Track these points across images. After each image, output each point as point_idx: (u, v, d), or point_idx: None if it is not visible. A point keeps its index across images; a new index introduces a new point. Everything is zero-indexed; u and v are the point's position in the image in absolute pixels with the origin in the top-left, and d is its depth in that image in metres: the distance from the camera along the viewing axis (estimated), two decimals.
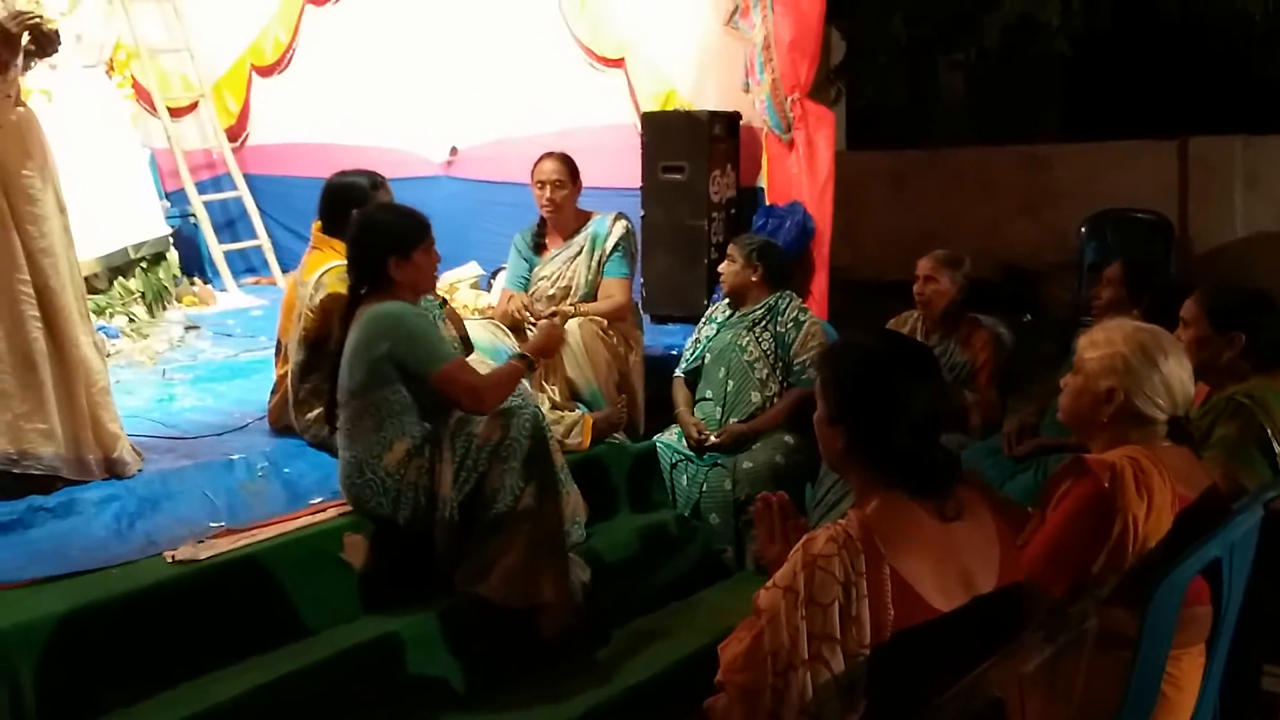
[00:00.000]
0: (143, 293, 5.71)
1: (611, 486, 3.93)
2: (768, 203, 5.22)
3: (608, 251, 4.22)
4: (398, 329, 3.15)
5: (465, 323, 4.13)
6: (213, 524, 3.13)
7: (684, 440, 4.13)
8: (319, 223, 3.86)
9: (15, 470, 3.18)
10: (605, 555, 3.61)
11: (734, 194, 5.28)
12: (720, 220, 5.17)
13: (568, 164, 4.27)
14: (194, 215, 6.78)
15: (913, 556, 1.79)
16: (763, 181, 5.29)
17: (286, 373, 3.69)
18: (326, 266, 3.65)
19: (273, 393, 3.85)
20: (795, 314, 4.22)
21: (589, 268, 4.22)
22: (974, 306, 4.38)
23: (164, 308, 5.78)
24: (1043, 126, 9.19)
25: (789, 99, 5.06)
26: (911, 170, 8.43)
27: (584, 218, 4.31)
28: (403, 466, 3.13)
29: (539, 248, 4.33)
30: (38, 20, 3.22)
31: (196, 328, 5.58)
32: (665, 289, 5.23)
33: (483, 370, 3.73)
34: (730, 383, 4.18)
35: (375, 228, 3.27)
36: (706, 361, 4.26)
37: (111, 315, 5.35)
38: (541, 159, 4.29)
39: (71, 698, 2.59)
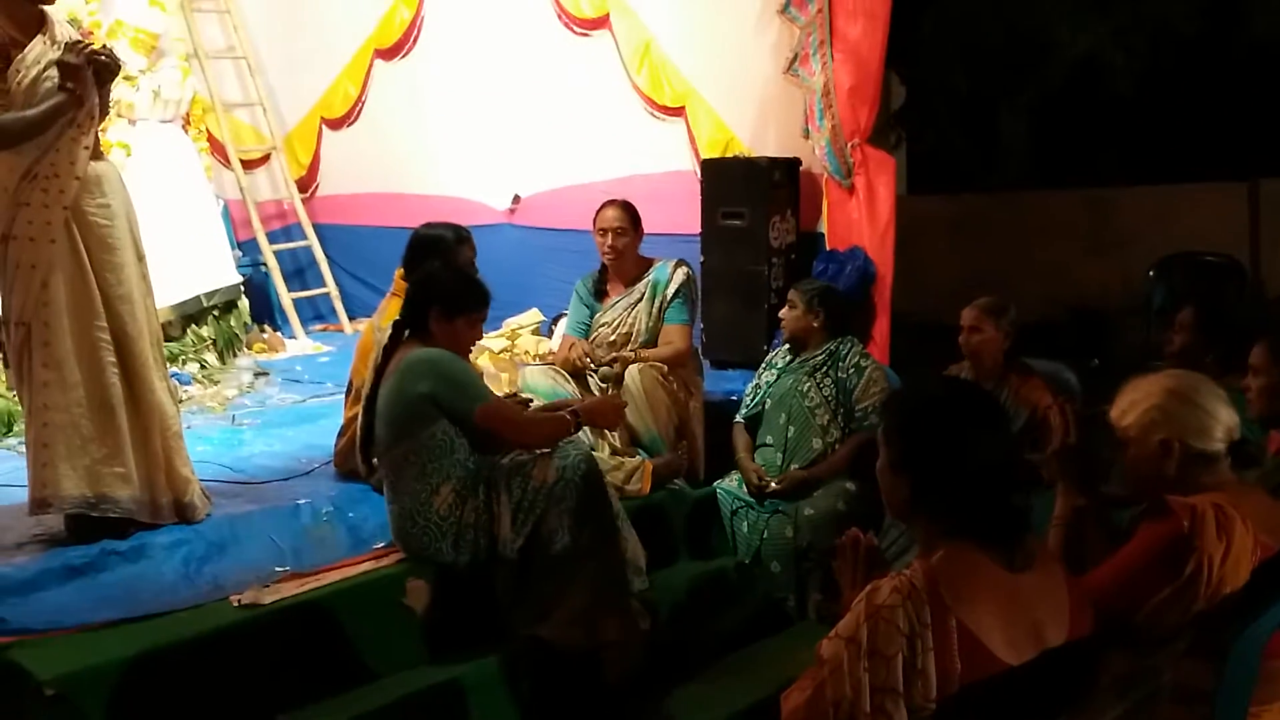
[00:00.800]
0: (214, 340, 5.85)
1: (671, 533, 3.91)
2: (828, 248, 5.22)
3: (669, 298, 4.24)
4: (438, 370, 3.19)
5: (525, 368, 4.18)
6: (278, 568, 3.16)
7: (744, 487, 4.10)
8: (401, 270, 3.95)
9: (94, 513, 3.24)
10: (665, 603, 3.59)
11: (794, 239, 5.28)
12: (780, 265, 5.17)
13: (629, 211, 4.31)
14: (265, 264, 6.95)
15: (980, 608, 1.76)
16: (823, 227, 5.30)
17: (356, 415, 3.74)
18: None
19: (340, 434, 3.91)
20: (857, 359, 4.18)
21: (650, 314, 4.24)
22: (1038, 351, 4.31)
23: (234, 354, 5.91)
24: (1108, 169, 9.09)
25: (849, 145, 5.08)
26: (974, 214, 8.38)
27: (645, 264, 4.34)
28: (455, 509, 3.16)
29: (600, 294, 4.37)
30: (92, 46, 3.31)
31: (266, 374, 5.69)
32: (725, 334, 5.23)
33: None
34: (791, 429, 4.15)
35: (433, 280, 3.36)
36: (767, 407, 4.24)
37: (184, 362, 5.48)
38: (603, 206, 4.34)
39: None
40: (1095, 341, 6.93)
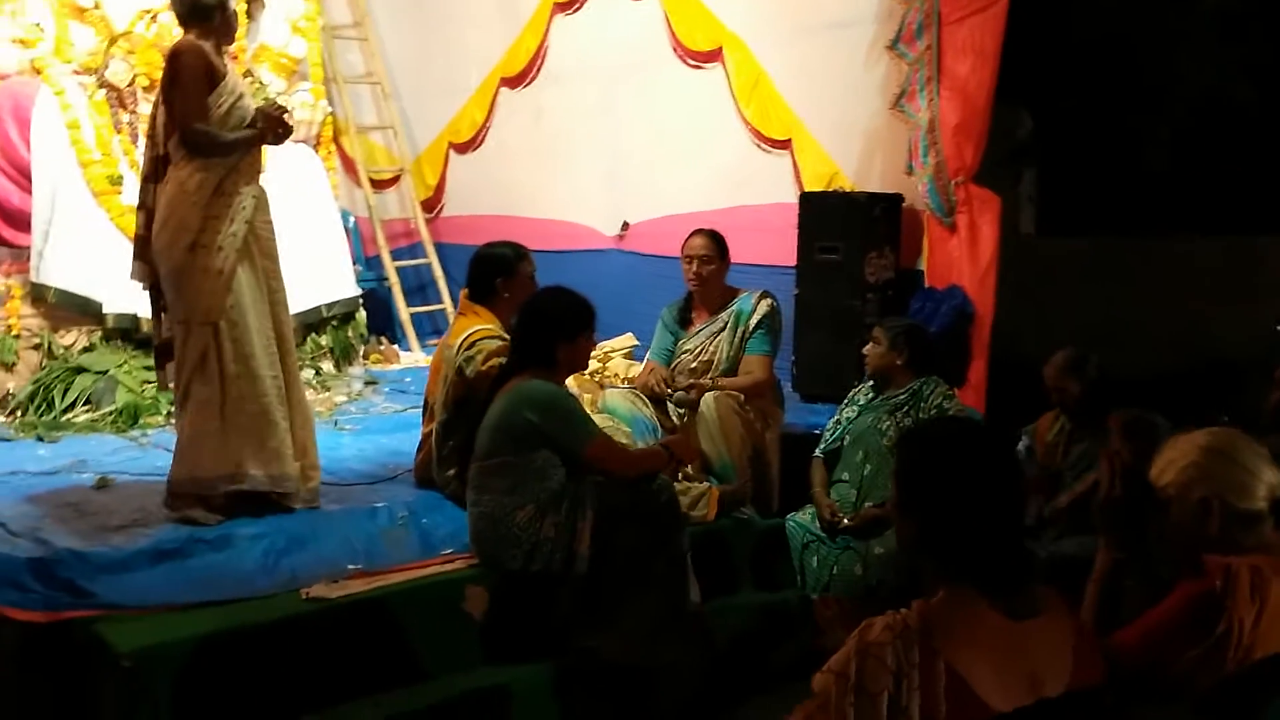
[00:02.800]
0: (331, 348, 6.14)
1: (733, 562, 3.94)
2: (927, 285, 5.18)
3: (751, 328, 4.28)
4: (553, 407, 3.33)
5: (607, 391, 4.29)
6: (350, 565, 3.33)
7: (817, 521, 4.10)
8: (466, 290, 4.11)
9: (277, 490, 3.60)
10: (724, 631, 3.62)
11: (893, 276, 5.25)
12: (875, 301, 5.14)
13: (716, 241, 4.38)
14: (388, 279, 7.26)
15: (972, 653, 1.76)
16: (923, 264, 5.25)
17: (431, 431, 3.91)
18: (470, 331, 3.86)
19: (419, 449, 4.07)
20: (940, 400, 4.14)
21: (731, 343, 4.29)
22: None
23: (349, 363, 6.19)
24: (1255, 215, 8.68)
25: (952, 182, 5.03)
26: (1109, 257, 8.10)
27: (730, 294, 4.39)
28: (535, 522, 3.26)
29: (685, 321, 4.44)
30: (285, 109, 3.80)
31: (375, 383, 5.95)
32: (816, 368, 5.22)
33: (617, 436, 3.88)
34: (868, 466, 4.13)
35: (546, 307, 3.50)
36: (845, 443, 4.23)
37: (300, 368, 5.76)
38: (692, 235, 4.42)
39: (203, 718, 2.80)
40: (1228, 397, 6.63)
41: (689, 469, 4.05)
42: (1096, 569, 2.36)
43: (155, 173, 3.59)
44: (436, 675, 3.15)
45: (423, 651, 3.17)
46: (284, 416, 3.62)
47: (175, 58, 3.53)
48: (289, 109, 3.84)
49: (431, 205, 8.13)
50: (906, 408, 4.15)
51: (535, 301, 3.57)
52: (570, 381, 4.92)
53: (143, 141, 4.54)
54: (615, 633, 3.23)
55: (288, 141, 6.01)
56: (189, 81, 3.48)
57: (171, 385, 3.64)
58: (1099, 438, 3.97)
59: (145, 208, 3.60)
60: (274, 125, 3.63)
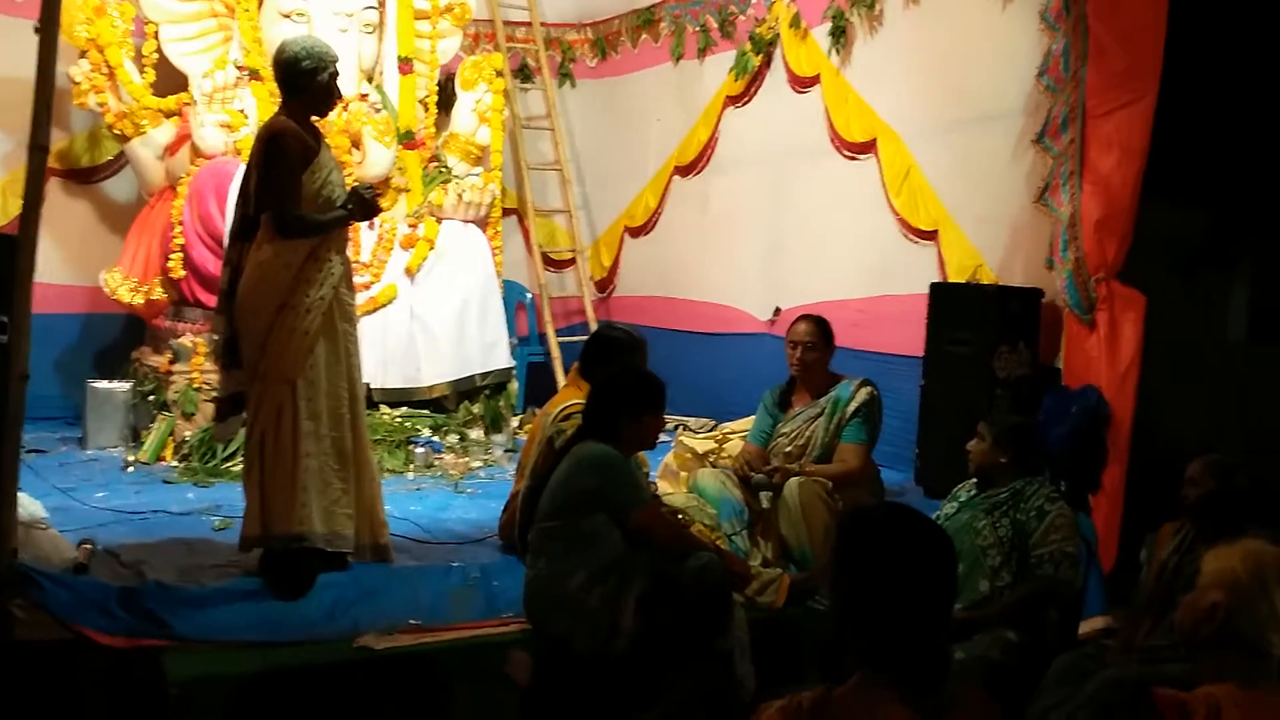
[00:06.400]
0: (482, 416, 6.43)
1: (801, 651, 3.83)
2: (1064, 383, 4.92)
3: (847, 415, 4.22)
4: (609, 468, 3.41)
5: (699, 471, 4.32)
6: (411, 620, 3.48)
7: None
8: (577, 364, 4.24)
9: (329, 549, 3.71)
10: None
11: (1028, 371, 5.02)
12: (1005, 397, 4.93)
13: (821, 327, 4.36)
14: (550, 355, 7.57)
15: None
16: (1060, 362, 5.01)
17: (519, 493, 4.04)
18: (568, 404, 4.00)
19: (504, 509, 4.22)
20: (1041, 502, 3.91)
21: (827, 430, 4.24)
22: None
23: (499, 431, 6.45)
24: None
25: (1093, 279, 4.80)
26: None
27: (833, 380, 4.35)
28: (584, 590, 3.32)
29: (785, 405, 4.43)
30: (377, 191, 3.98)
31: (515, 451, 6.17)
32: (941, 463, 5.03)
33: (702, 516, 3.90)
34: (960, 566, 3.93)
35: (619, 383, 3.60)
36: None
37: (445, 433, 6.09)
38: (796, 320, 4.42)
39: None
40: None
41: (769, 553, 4.01)
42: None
43: (243, 231, 3.77)
44: None
45: (461, 711, 3.26)
46: (343, 478, 3.72)
47: (272, 140, 3.69)
48: (379, 192, 3.98)
49: (605, 285, 8.44)
50: (1005, 507, 3.95)
51: (611, 377, 3.67)
52: (670, 459, 4.99)
53: None
54: (653, 711, 3.22)
55: (458, 220, 6.56)
56: (284, 165, 3.65)
57: (229, 438, 3.85)
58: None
59: (231, 264, 3.78)
60: (359, 203, 3.79)
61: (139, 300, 6.21)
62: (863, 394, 4.25)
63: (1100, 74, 4.77)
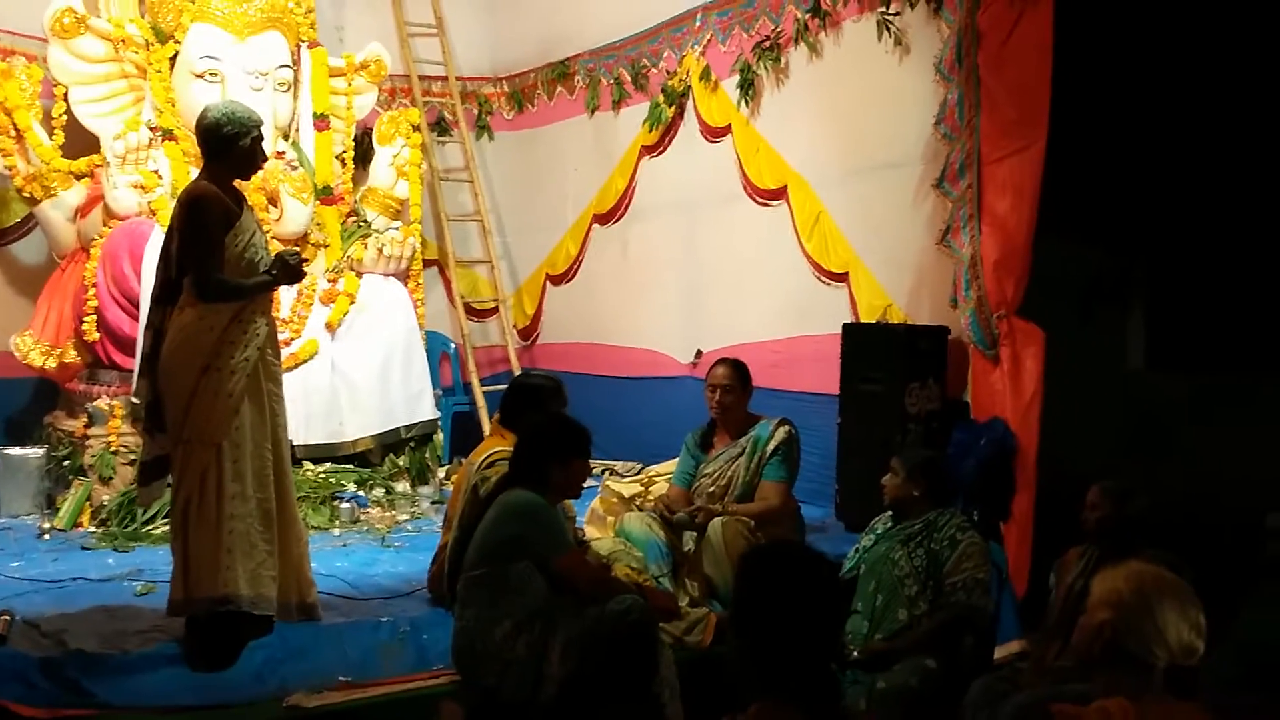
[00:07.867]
0: (408, 469, 6.44)
1: (730, 689, 3.90)
2: (972, 417, 5.12)
3: (767, 455, 4.35)
4: (535, 517, 3.47)
5: (625, 515, 4.40)
6: (341, 678, 3.49)
7: None
8: (498, 414, 4.30)
9: (255, 612, 3.62)
10: None
11: (938, 407, 5.21)
12: (917, 433, 5.10)
13: (738, 370, 4.49)
14: (474, 403, 7.60)
15: None
16: (969, 396, 5.21)
17: (446, 543, 4.08)
18: (491, 452, 4.05)
19: (433, 561, 4.25)
20: (953, 532, 4.06)
21: (748, 469, 4.36)
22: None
23: (425, 483, 6.46)
24: None
25: (994, 316, 5.01)
26: (1227, 396, 7.63)
27: (751, 420, 4.48)
28: (510, 640, 3.36)
29: (707, 446, 4.54)
30: (302, 256, 3.92)
31: (442, 503, 6.18)
32: (859, 498, 5.18)
33: (628, 560, 3.97)
34: (879, 597, 4.06)
35: (545, 431, 3.65)
36: (861, 573, 4.18)
37: (371, 487, 6.08)
38: (715, 364, 4.55)
39: None
40: None
41: (695, 593, 4.09)
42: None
43: (165, 295, 3.72)
44: None
45: None
46: (268, 540, 3.68)
47: (193, 203, 3.67)
48: (306, 257, 3.96)
49: (528, 333, 8.52)
50: (920, 538, 4.09)
51: (536, 424, 3.73)
52: (597, 503, 5.06)
53: None
54: None
55: (378, 274, 6.59)
56: (205, 229, 3.63)
57: (153, 501, 3.80)
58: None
59: (153, 328, 3.73)
60: (289, 272, 3.77)
61: (52, 364, 6.13)
62: (780, 433, 4.37)
63: (993, 122, 5.02)
